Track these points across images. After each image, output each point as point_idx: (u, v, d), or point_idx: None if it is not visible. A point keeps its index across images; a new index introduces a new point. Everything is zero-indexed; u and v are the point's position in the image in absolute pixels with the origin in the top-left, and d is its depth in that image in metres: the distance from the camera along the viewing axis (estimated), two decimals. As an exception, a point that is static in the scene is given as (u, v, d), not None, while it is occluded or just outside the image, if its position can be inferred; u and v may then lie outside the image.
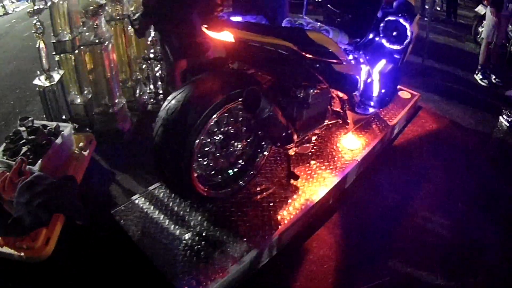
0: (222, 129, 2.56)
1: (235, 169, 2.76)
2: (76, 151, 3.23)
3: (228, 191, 2.68)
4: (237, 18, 2.48)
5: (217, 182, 2.67)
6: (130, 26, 3.88)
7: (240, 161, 2.78)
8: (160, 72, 4.19)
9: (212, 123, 2.34)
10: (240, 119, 2.65)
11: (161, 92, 4.24)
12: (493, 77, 5.45)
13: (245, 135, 2.73)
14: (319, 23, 3.01)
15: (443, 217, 2.98)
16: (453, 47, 6.99)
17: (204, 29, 2.38)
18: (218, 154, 2.60)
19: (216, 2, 3.20)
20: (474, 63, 5.95)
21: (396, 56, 3.43)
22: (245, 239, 2.44)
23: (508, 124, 4.34)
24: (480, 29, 6.59)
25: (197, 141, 2.25)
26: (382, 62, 3.39)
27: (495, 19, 5.30)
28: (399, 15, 3.26)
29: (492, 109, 4.65)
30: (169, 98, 2.29)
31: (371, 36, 3.35)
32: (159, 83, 4.24)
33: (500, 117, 4.47)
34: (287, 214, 2.63)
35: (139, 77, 4.31)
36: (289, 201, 2.73)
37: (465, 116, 4.47)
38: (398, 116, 3.89)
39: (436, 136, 4.03)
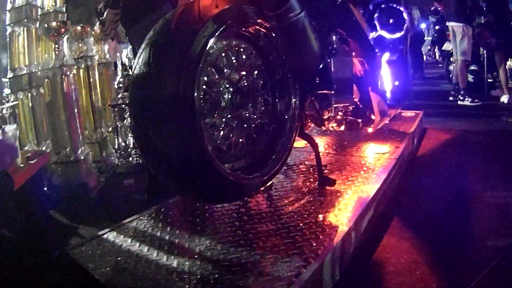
0: (230, 74, 1.76)
1: (261, 142, 1.95)
2: (20, 164, 2.46)
3: (260, 176, 1.85)
4: None
5: (242, 165, 1.86)
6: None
7: (267, 128, 1.98)
8: (130, 121, 3.54)
9: (217, 47, 1.65)
10: (253, 55, 1.90)
11: (132, 147, 3.57)
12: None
13: (263, 92, 1.94)
14: None
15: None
16: (430, 90, 7.20)
17: None
18: (230, 117, 1.76)
19: None
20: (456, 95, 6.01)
21: (399, 47, 3.17)
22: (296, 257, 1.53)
23: None
24: (451, 67, 6.66)
25: (197, 80, 1.48)
26: (387, 54, 3.05)
27: (469, 35, 5.28)
28: (391, 1, 3.10)
29: (490, 114, 4.84)
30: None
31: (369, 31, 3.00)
32: (130, 136, 3.56)
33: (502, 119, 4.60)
34: (326, 235, 1.70)
35: (105, 135, 3.66)
36: (331, 209, 1.92)
37: (470, 124, 4.41)
38: (413, 125, 3.46)
39: (451, 144, 3.71)
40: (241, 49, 1.82)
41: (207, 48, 1.50)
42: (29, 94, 3.06)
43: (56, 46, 2.94)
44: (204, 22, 1.48)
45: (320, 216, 1.85)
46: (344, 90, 2.21)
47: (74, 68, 3.09)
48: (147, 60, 1.43)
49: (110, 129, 3.66)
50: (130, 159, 3.54)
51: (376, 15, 3.08)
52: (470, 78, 6.52)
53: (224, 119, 1.72)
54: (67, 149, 3.01)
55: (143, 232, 1.88)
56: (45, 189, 2.86)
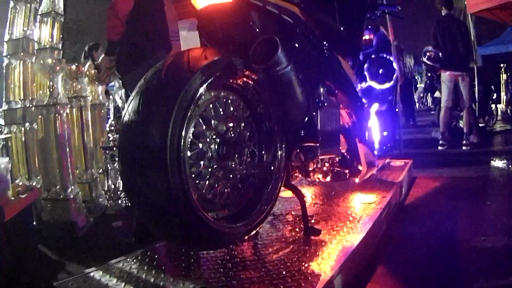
0: (217, 125, 1.84)
1: (247, 192, 2.00)
2: (11, 197, 2.47)
3: (244, 226, 1.89)
4: None
5: (226, 214, 1.90)
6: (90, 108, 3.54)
7: (251, 178, 2.03)
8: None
9: (206, 104, 1.74)
10: (243, 114, 1.98)
11: (121, 189, 3.65)
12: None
13: (249, 143, 2.01)
14: None
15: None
16: (421, 138, 7.40)
17: None
18: (216, 166, 1.83)
19: None
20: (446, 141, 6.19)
21: (388, 97, 3.28)
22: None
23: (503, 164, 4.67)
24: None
25: (185, 130, 1.56)
26: (376, 104, 3.17)
27: (449, 84, 5.61)
28: (380, 51, 3.22)
29: (482, 158, 5.10)
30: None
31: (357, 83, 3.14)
32: (120, 180, 3.64)
33: (492, 162, 4.82)
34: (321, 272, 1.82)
35: (95, 176, 3.73)
36: (315, 259, 1.95)
37: (461, 169, 4.61)
38: (401, 175, 3.52)
39: (440, 191, 3.81)
40: (229, 100, 1.90)
41: (195, 98, 1.60)
42: (23, 128, 3.15)
43: (51, 83, 3.03)
44: (193, 73, 1.58)
45: (304, 264, 1.89)
46: (330, 141, 2.28)
47: (67, 107, 3.17)
48: (137, 107, 1.52)
49: (101, 170, 3.72)
50: (120, 201, 3.59)
51: (366, 65, 3.20)
52: (461, 124, 6.71)
53: (210, 169, 1.79)
54: (57, 187, 3.06)
55: (128, 273, 1.93)
56: (34, 223, 2.90)
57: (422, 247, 2.52)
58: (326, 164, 2.43)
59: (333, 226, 2.42)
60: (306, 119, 2.13)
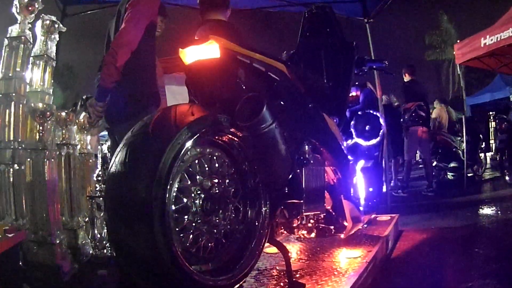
0: (204, 185, 1.94)
1: (231, 248, 2.09)
2: None
3: (227, 280, 1.95)
4: None
5: (210, 267, 1.98)
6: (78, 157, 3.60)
7: (235, 237, 2.13)
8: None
9: (188, 161, 1.83)
10: (225, 172, 2.08)
11: (107, 238, 3.69)
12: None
13: (234, 200, 2.11)
14: None
15: None
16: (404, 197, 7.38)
17: (181, 51, 2.05)
18: (200, 221, 1.92)
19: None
20: (434, 195, 6.50)
21: (374, 153, 3.37)
22: None
23: (490, 211, 4.95)
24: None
25: (172, 182, 1.69)
26: (362, 161, 3.27)
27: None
28: (367, 107, 3.32)
29: (469, 209, 5.25)
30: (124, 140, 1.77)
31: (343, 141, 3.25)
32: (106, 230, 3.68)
33: (480, 210, 5.10)
34: None
35: (81, 225, 3.77)
36: None
37: (448, 221, 4.73)
38: (387, 229, 3.61)
39: (427, 244, 3.91)
40: (214, 157, 2.02)
41: (181, 154, 1.71)
42: (11, 169, 3.15)
43: (41, 128, 3.11)
44: (179, 128, 1.69)
45: None
46: (315, 199, 2.39)
47: (56, 153, 3.24)
48: (123, 160, 1.63)
49: (87, 219, 3.76)
50: (105, 250, 3.62)
51: (352, 122, 3.31)
52: (451, 175, 6.91)
53: (194, 224, 1.88)
54: (44, 230, 3.09)
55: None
56: (20, 263, 2.92)
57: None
58: (311, 221, 2.53)
59: (318, 280, 2.48)
60: (291, 176, 2.22)
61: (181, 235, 1.84)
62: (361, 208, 3.12)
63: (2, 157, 3.12)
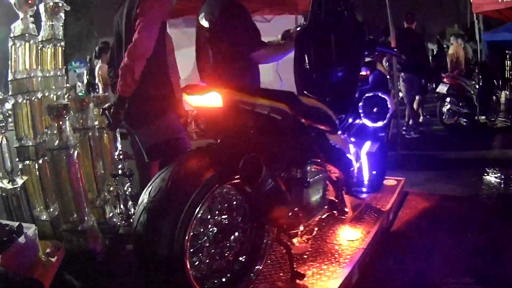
0: (216, 218, 2.29)
1: (235, 268, 2.46)
2: (42, 257, 2.93)
3: None
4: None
5: (214, 284, 2.36)
6: (98, 134, 3.88)
7: (239, 257, 2.50)
8: (130, 189, 4.01)
9: (206, 205, 2.12)
10: (234, 204, 2.42)
11: (132, 212, 4.00)
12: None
13: (242, 224, 2.47)
14: None
15: (463, 276, 2.94)
16: (419, 136, 7.49)
17: (185, 96, 2.23)
18: (212, 249, 2.28)
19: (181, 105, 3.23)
20: (444, 141, 6.77)
21: (380, 134, 3.49)
22: None
23: (494, 180, 4.98)
24: (444, 109, 7.17)
25: (190, 228, 1.99)
26: (368, 143, 3.41)
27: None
28: (376, 89, 3.36)
29: (475, 172, 5.24)
30: (153, 178, 2.06)
31: (350, 120, 3.38)
32: (130, 202, 4.04)
33: (484, 177, 5.09)
34: None
35: (107, 197, 4.14)
36: None
37: (451, 187, 4.78)
38: (390, 202, 3.87)
39: (429, 213, 4.10)
40: (223, 204, 2.35)
41: (195, 213, 2.01)
42: (36, 164, 3.48)
43: (59, 127, 3.27)
44: (193, 190, 1.97)
45: None
46: (315, 209, 2.74)
47: (78, 144, 3.47)
48: (145, 223, 1.96)
49: (115, 193, 4.12)
50: (132, 220, 4.01)
51: (361, 103, 3.38)
52: (463, 122, 7.01)
53: (208, 256, 2.28)
54: (74, 216, 3.45)
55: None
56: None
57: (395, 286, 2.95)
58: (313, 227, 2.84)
59: (320, 265, 2.86)
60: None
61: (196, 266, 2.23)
62: (364, 189, 3.38)
63: (26, 154, 3.41)
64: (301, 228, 2.58)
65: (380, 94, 3.34)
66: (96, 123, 4.03)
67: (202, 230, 2.23)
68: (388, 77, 5.91)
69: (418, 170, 5.50)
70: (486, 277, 2.92)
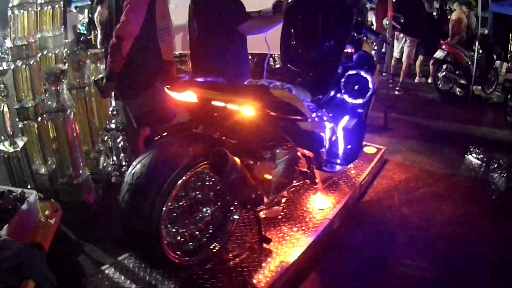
0: (190, 194, 2.64)
1: (206, 236, 2.81)
2: (42, 219, 3.25)
3: (198, 258, 2.72)
4: (200, 79, 2.59)
5: (187, 249, 2.72)
6: (94, 90, 4.05)
7: (211, 227, 2.85)
8: (122, 143, 4.30)
9: (180, 187, 2.41)
10: (208, 183, 2.75)
11: (124, 163, 4.33)
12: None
13: (214, 199, 2.81)
14: (280, 82, 3.05)
15: (424, 260, 3.11)
16: (412, 99, 7.60)
17: (167, 91, 2.50)
18: (187, 220, 2.67)
19: (172, 69, 3.42)
20: (435, 109, 6.75)
21: (359, 110, 3.61)
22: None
23: (476, 160, 4.92)
24: (439, 74, 7.22)
25: (165, 207, 2.32)
26: (346, 118, 3.57)
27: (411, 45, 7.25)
28: (360, 68, 3.49)
29: (459, 149, 5.21)
30: (134, 163, 2.37)
31: (332, 93, 3.55)
32: (122, 154, 4.34)
33: (467, 155, 5.05)
34: (263, 277, 2.68)
35: (101, 148, 4.42)
36: (264, 264, 2.79)
37: (432, 161, 4.83)
38: (365, 172, 4.10)
39: (404, 186, 4.22)
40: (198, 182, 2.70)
41: (173, 191, 2.35)
42: (35, 124, 3.74)
43: (56, 90, 3.48)
44: (171, 172, 2.32)
45: (246, 273, 2.74)
46: (284, 181, 3.00)
47: (73, 111, 3.68)
48: (128, 201, 2.32)
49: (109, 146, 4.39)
50: (123, 170, 4.28)
51: (343, 79, 3.53)
52: (458, 91, 7.07)
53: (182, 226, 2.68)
54: (70, 170, 3.75)
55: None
56: None
57: (360, 256, 3.18)
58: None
59: (288, 232, 3.18)
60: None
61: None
62: (338, 162, 3.59)
63: (25, 114, 3.66)
64: (268, 201, 2.88)
65: (362, 73, 3.48)
66: (93, 78, 4.19)
67: (177, 205, 2.59)
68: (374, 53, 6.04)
69: (402, 137, 5.60)
70: (445, 266, 3.07)
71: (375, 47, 8.90)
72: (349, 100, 3.56)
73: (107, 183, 4.27)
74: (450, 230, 3.48)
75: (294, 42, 3.60)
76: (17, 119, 3.72)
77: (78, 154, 3.76)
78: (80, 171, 3.80)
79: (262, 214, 2.91)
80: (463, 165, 4.87)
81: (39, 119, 3.73)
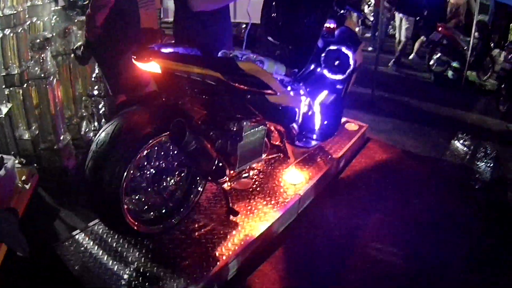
0: (153, 164, 2.64)
1: (168, 206, 2.81)
2: (19, 184, 3.32)
3: (160, 228, 2.73)
4: (168, 49, 2.54)
5: (149, 218, 2.73)
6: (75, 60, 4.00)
7: (173, 198, 2.84)
8: (104, 109, 4.26)
9: (142, 156, 2.42)
10: (172, 153, 2.74)
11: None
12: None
13: (177, 170, 2.81)
14: (255, 55, 2.99)
15: (394, 246, 3.06)
16: (404, 78, 7.52)
17: (133, 61, 2.47)
18: (150, 189, 2.67)
19: (156, 37, 3.38)
20: (426, 91, 6.64)
21: (338, 86, 3.58)
22: (182, 276, 2.50)
23: (462, 147, 4.73)
24: (434, 56, 7.12)
25: (126, 174, 2.32)
26: (324, 93, 3.53)
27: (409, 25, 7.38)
28: (341, 43, 3.44)
29: (446, 134, 5.02)
30: (100, 131, 2.39)
31: (312, 67, 3.50)
32: (104, 120, 4.31)
33: (453, 141, 4.86)
34: (226, 250, 2.69)
35: (84, 114, 4.43)
36: (228, 237, 2.80)
37: (416, 143, 4.71)
38: (343, 149, 4.03)
39: (384, 167, 4.14)
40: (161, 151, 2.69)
41: (134, 159, 2.37)
42: (20, 90, 3.79)
43: (41, 58, 3.54)
44: (133, 141, 2.34)
45: (210, 245, 2.75)
46: (250, 156, 2.98)
47: (56, 78, 3.74)
48: (91, 168, 2.34)
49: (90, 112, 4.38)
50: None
51: (323, 54, 3.49)
52: (450, 74, 6.97)
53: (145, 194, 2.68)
54: (51, 138, 3.80)
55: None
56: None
57: (328, 236, 3.14)
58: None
59: (256, 205, 3.17)
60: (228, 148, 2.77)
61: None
62: (314, 137, 3.56)
63: (11, 81, 3.70)
64: (232, 174, 2.87)
65: (344, 49, 3.44)
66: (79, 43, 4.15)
67: (140, 173, 2.59)
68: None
69: (388, 116, 5.49)
70: (415, 253, 3.01)
71: (371, 23, 8.81)
72: (329, 75, 3.53)
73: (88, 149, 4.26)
74: (426, 217, 3.40)
75: (274, 14, 3.52)
76: (3, 86, 3.75)
77: (59, 120, 3.80)
78: (61, 137, 3.84)
79: (226, 186, 2.89)
80: (448, 150, 4.67)
81: (25, 85, 3.76)
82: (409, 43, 8.06)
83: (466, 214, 3.47)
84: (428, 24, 7.80)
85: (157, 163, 2.68)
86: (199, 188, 2.92)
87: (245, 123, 2.75)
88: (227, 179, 2.80)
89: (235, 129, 2.73)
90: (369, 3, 9.70)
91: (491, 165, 4.38)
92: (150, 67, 2.40)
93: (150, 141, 2.40)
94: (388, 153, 4.41)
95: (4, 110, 3.63)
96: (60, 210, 3.39)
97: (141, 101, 2.65)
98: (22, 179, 3.38)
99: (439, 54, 7.12)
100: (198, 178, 2.90)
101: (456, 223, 3.35)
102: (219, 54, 2.93)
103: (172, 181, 2.80)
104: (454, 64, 6.87)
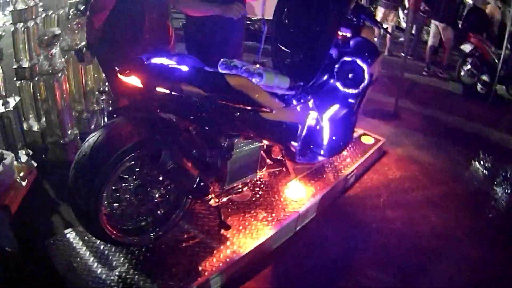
0: (137, 175, 2.54)
1: (148, 220, 2.71)
2: (17, 180, 3.32)
3: (135, 240, 2.64)
4: (156, 60, 2.44)
5: (128, 228, 2.64)
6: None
7: (154, 212, 2.73)
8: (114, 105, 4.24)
9: (122, 169, 2.35)
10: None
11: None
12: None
13: (162, 183, 2.69)
14: (257, 65, 2.84)
15: (387, 274, 2.87)
16: (433, 87, 7.12)
17: (116, 72, 2.39)
18: (131, 200, 2.57)
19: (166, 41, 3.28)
20: (453, 103, 6.30)
21: (350, 100, 3.36)
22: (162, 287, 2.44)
23: (482, 169, 4.38)
24: (464, 67, 6.79)
25: (104, 185, 2.27)
26: (334, 107, 3.33)
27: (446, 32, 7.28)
28: (357, 55, 3.23)
29: (467, 152, 4.66)
30: (85, 141, 2.33)
31: (324, 77, 3.32)
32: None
33: (473, 161, 4.49)
34: (209, 265, 2.58)
35: (96, 108, 4.42)
36: (215, 252, 2.68)
37: (435, 161, 4.38)
38: (355, 164, 3.78)
39: (396, 185, 3.86)
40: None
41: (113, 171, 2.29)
42: (31, 83, 3.83)
43: (50, 54, 3.55)
44: (110, 156, 2.26)
45: (196, 259, 2.66)
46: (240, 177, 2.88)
47: (65, 75, 3.76)
48: (73, 178, 2.31)
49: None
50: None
51: (337, 65, 3.28)
52: (479, 88, 6.63)
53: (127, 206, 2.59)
54: (58, 132, 3.83)
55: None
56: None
57: (323, 257, 2.98)
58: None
59: (250, 220, 3.02)
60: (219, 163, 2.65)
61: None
62: (322, 152, 3.37)
63: (22, 74, 3.76)
64: (219, 191, 2.77)
65: (358, 61, 3.22)
66: (82, 44, 4.15)
67: (123, 184, 2.51)
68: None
69: (410, 128, 5.16)
70: (404, 282, 2.83)
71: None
72: (341, 88, 3.33)
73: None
74: (432, 245, 3.16)
75: (287, 21, 3.35)
76: (14, 79, 3.81)
77: (66, 116, 3.80)
78: (69, 132, 3.84)
79: (213, 203, 2.77)
80: (467, 171, 4.29)
81: (36, 79, 3.79)
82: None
83: (475, 246, 3.20)
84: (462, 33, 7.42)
85: (141, 175, 2.58)
86: (182, 207, 2.78)
87: (236, 139, 2.62)
88: (213, 196, 2.68)
89: (225, 145, 2.58)
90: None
91: (509, 191, 4.02)
92: (131, 80, 2.32)
93: (128, 157, 2.33)
94: (402, 171, 4.13)
95: (12, 103, 3.62)
96: (56, 207, 3.34)
97: (127, 112, 2.57)
98: (20, 174, 3.37)
99: (469, 66, 6.77)
100: (180, 195, 2.77)
101: (463, 254, 3.10)
102: (219, 63, 2.80)
103: (157, 194, 2.68)
104: (483, 77, 6.51)
